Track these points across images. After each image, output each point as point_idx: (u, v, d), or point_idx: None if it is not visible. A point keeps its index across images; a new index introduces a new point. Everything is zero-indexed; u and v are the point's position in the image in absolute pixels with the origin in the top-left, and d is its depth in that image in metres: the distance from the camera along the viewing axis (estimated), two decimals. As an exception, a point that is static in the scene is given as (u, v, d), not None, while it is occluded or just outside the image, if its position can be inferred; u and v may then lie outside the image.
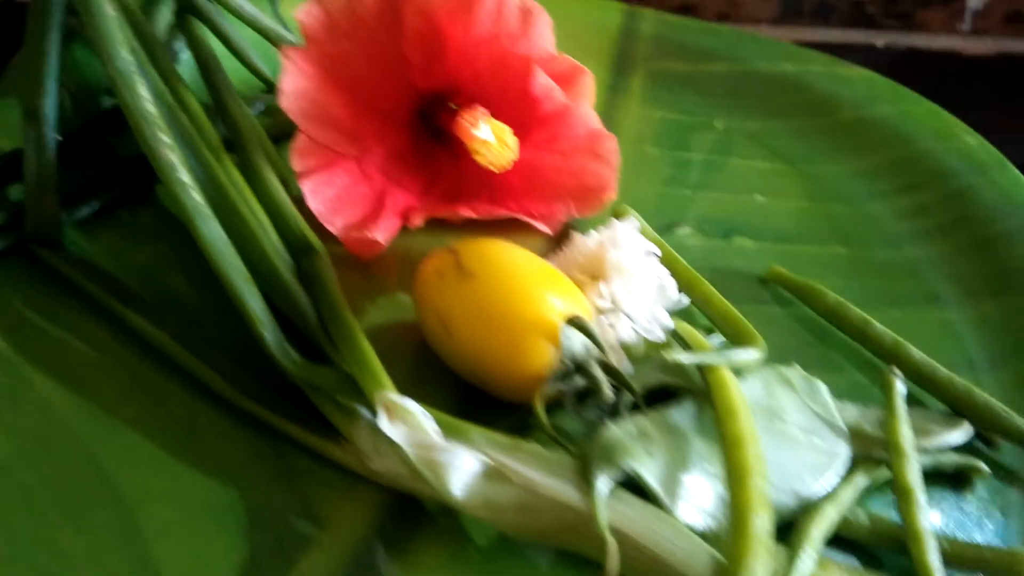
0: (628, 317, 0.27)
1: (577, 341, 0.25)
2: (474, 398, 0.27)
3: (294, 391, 0.26)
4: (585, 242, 0.30)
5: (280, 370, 0.25)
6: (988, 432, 0.28)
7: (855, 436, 0.27)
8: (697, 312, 0.31)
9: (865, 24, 0.59)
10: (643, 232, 0.31)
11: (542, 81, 0.30)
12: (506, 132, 0.29)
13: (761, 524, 0.20)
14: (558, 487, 0.22)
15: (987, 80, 0.61)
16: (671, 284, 0.28)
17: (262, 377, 0.26)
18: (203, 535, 0.23)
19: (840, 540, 0.25)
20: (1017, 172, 0.37)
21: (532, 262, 0.27)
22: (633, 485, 0.22)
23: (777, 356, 0.28)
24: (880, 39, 0.60)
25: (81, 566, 0.22)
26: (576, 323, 0.24)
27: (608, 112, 0.33)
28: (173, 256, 0.31)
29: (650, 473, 0.22)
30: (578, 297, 0.26)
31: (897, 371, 0.27)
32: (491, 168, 0.30)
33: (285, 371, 0.25)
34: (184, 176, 0.26)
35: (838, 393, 0.28)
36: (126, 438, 0.25)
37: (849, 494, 0.25)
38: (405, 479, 0.23)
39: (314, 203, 0.30)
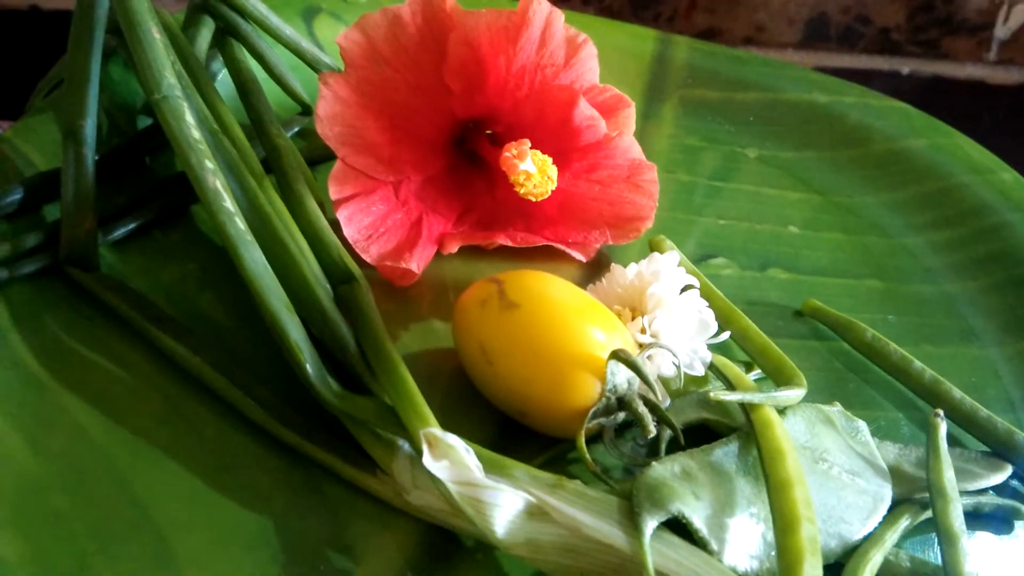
0: (668, 351, 0.27)
1: (622, 375, 0.24)
2: (512, 431, 0.27)
3: (330, 420, 0.25)
4: (624, 274, 0.30)
5: (320, 400, 0.25)
6: (1031, 475, 0.28)
7: (895, 476, 0.26)
8: (734, 346, 0.31)
9: (891, 51, 0.59)
10: (681, 264, 0.31)
11: (586, 112, 0.30)
12: (548, 163, 0.29)
13: (811, 572, 0.20)
14: (603, 528, 0.21)
15: (1013, 110, 0.61)
16: (711, 318, 0.28)
17: (297, 405, 0.26)
18: (236, 567, 0.23)
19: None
20: (1054, 209, 0.37)
21: (575, 294, 0.26)
22: (678, 527, 0.22)
23: (814, 391, 0.28)
24: (906, 66, 0.60)
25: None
26: (622, 357, 0.24)
27: (641, 139, 0.33)
28: (207, 277, 0.31)
29: (697, 516, 0.22)
30: (620, 331, 0.26)
31: (941, 413, 0.26)
32: (531, 198, 0.30)
33: (325, 402, 0.25)
34: (229, 204, 0.25)
35: (876, 431, 0.28)
36: (159, 464, 0.25)
37: (892, 537, 0.24)
38: (444, 514, 0.23)
39: (350, 231, 0.30)
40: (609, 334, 0.25)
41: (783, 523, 0.21)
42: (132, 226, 0.31)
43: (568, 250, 0.33)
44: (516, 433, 0.27)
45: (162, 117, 0.26)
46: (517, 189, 0.30)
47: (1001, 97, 0.60)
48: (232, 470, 0.25)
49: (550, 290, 0.26)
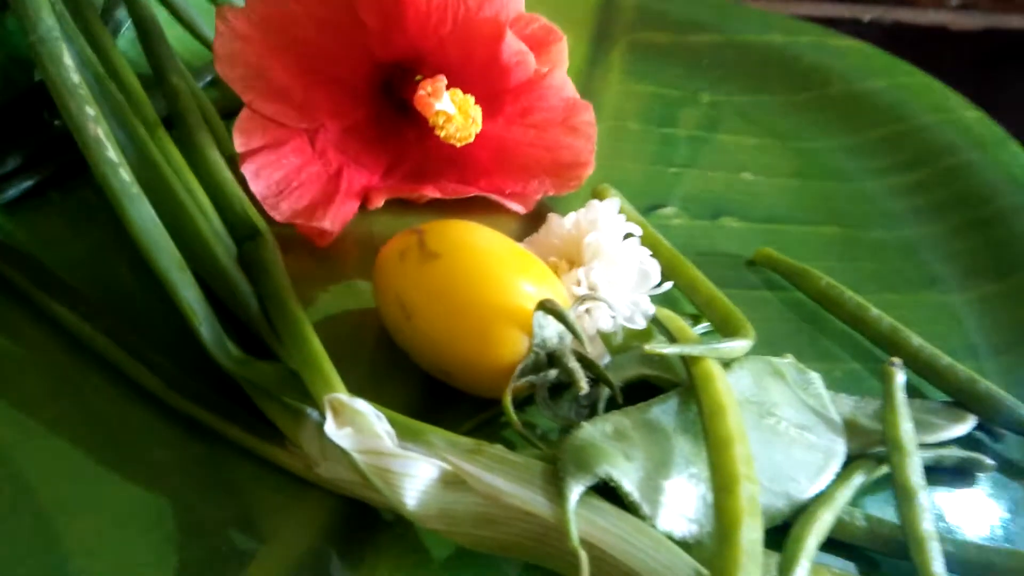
0: (607, 304, 0.24)
1: (551, 329, 0.22)
2: (438, 394, 0.25)
3: (237, 392, 0.23)
4: (562, 224, 0.27)
5: (218, 366, 0.23)
6: (992, 424, 0.26)
7: (850, 430, 0.24)
8: (682, 298, 0.29)
9: (852, -2, 0.57)
10: (624, 213, 0.29)
11: (513, 47, 0.27)
12: (469, 103, 0.27)
13: (750, 535, 0.18)
14: (524, 495, 0.19)
15: (975, 55, 0.59)
16: (654, 269, 0.26)
17: (203, 377, 0.24)
18: (129, 550, 0.21)
19: (835, 543, 0.23)
20: (1018, 148, 0.35)
21: (503, 244, 0.24)
22: (608, 490, 0.20)
23: (767, 344, 0.26)
24: (867, 13, 0.58)
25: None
26: (550, 308, 0.22)
27: (587, 86, 0.31)
28: (110, 243, 0.28)
29: (628, 479, 0.20)
30: (553, 282, 0.24)
31: (898, 362, 0.25)
32: (454, 143, 0.28)
33: (224, 368, 0.22)
34: (112, 154, 0.23)
35: (832, 383, 0.26)
36: (45, 441, 0.23)
37: (845, 495, 0.23)
38: (356, 486, 0.21)
39: (257, 187, 0.27)
40: (540, 286, 0.23)
41: (721, 483, 0.19)
42: (25, 185, 0.29)
43: (505, 202, 0.31)
44: (446, 398, 0.25)
45: (39, 60, 0.24)
46: (437, 132, 0.27)
47: (963, 43, 0.59)
48: (126, 446, 0.23)
49: (474, 239, 0.24)
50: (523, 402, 0.25)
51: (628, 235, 0.27)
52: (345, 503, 0.22)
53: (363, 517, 0.22)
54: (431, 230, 0.24)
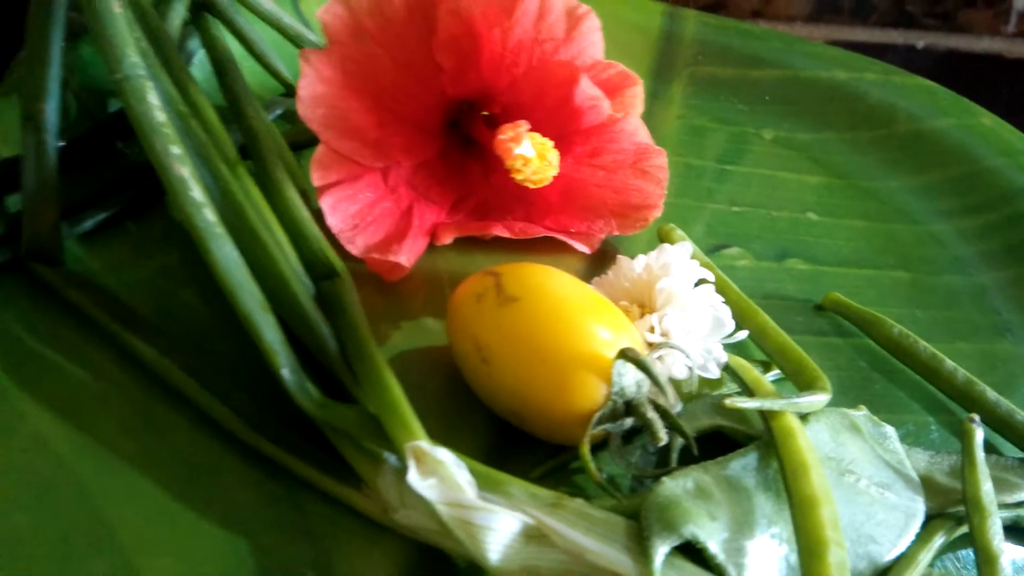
0: (681, 352, 0.24)
1: (629, 377, 0.22)
2: (510, 438, 0.25)
3: (313, 431, 0.23)
4: (632, 267, 0.27)
5: (295, 407, 0.23)
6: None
7: (927, 487, 0.24)
8: (750, 344, 0.28)
9: (905, 24, 0.56)
10: (693, 255, 0.28)
11: (588, 91, 0.27)
12: (548, 147, 0.27)
13: (842, 605, 0.18)
14: (608, 553, 0.19)
15: (1032, 84, 0.58)
16: (727, 316, 0.26)
17: (278, 415, 0.24)
18: (208, 591, 0.21)
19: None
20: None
21: (579, 289, 0.24)
22: (689, 549, 0.20)
23: (837, 393, 0.26)
24: (921, 40, 0.57)
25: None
26: (631, 357, 0.22)
27: (648, 120, 0.31)
28: (185, 274, 0.29)
29: (712, 539, 0.20)
30: (629, 329, 0.24)
31: (977, 419, 0.24)
32: (529, 185, 0.28)
33: (304, 410, 0.22)
34: (196, 193, 0.23)
35: (904, 436, 0.26)
36: (125, 477, 0.23)
37: (927, 557, 0.22)
38: (432, 534, 0.21)
39: (334, 221, 0.27)
40: (616, 332, 0.23)
41: (808, 546, 0.19)
42: (101, 217, 0.29)
43: (570, 241, 0.31)
44: (515, 441, 0.25)
45: (124, 98, 0.24)
46: (514, 176, 0.27)
47: (1019, 71, 0.58)
48: (204, 484, 0.23)
49: (552, 284, 0.24)
50: (593, 448, 0.24)
51: (700, 281, 0.27)
52: (420, 549, 0.22)
53: (437, 563, 0.22)
54: (508, 273, 0.24)
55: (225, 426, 0.24)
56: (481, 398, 0.25)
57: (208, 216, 0.23)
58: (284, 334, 0.23)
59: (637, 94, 0.29)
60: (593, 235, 0.31)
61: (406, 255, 0.28)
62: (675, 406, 0.25)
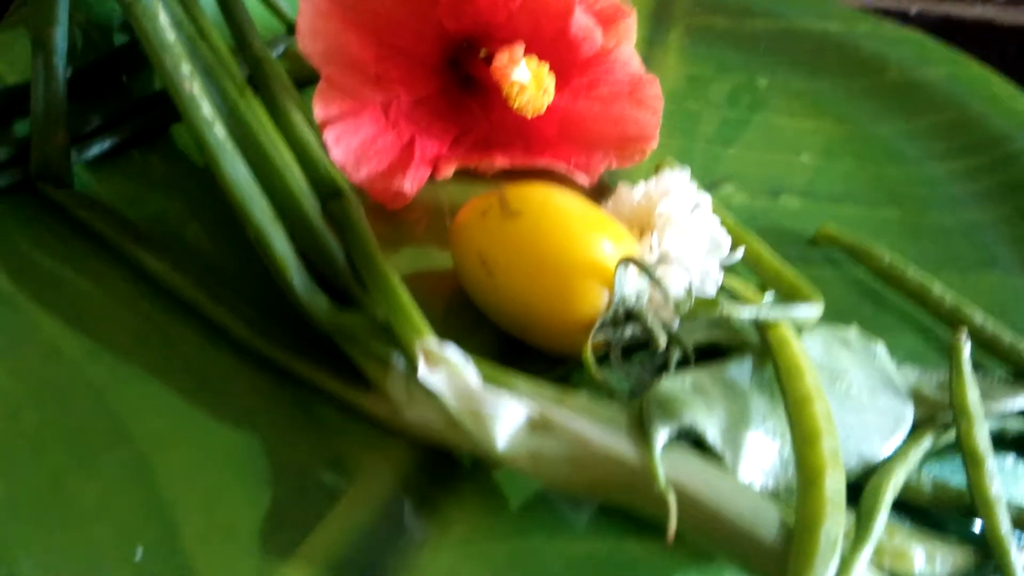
0: (682, 267, 0.25)
1: (631, 285, 0.23)
2: (515, 353, 0.25)
3: (319, 339, 0.24)
4: (631, 194, 0.28)
5: (307, 317, 0.23)
6: (1058, 400, 0.26)
7: (916, 399, 0.25)
8: (746, 273, 0.29)
9: (899, -11, 0.57)
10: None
11: (582, 21, 0.28)
12: (544, 72, 0.27)
13: (834, 485, 0.19)
14: (611, 440, 0.20)
15: (1021, 50, 0.59)
16: (723, 237, 0.27)
17: (286, 324, 0.24)
18: (222, 483, 0.21)
19: (900, 506, 0.23)
20: (1077, 137, 0.36)
21: (582, 204, 0.25)
22: (690, 442, 0.21)
23: (828, 317, 0.27)
24: (913, 6, 0.58)
25: (90, 512, 0.20)
26: (633, 261, 0.22)
27: (646, 67, 0.32)
28: (188, 201, 0.29)
29: (711, 428, 0.20)
30: (631, 241, 0.24)
31: (964, 332, 0.25)
32: (525, 113, 0.28)
33: (313, 318, 0.23)
34: (207, 111, 0.24)
35: (894, 357, 0.26)
36: (138, 383, 0.23)
37: (916, 456, 0.23)
38: (440, 431, 0.22)
39: (337, 152, 0.28)
40: (617, 242, 0.24)
41: (803, 436, 0.20)
42: (108, 144, 0.30)
43: (571, 173, 0.32)
44: (520, 356, 0.25)
45: (135, 19, 0.24)
46: (511, 103, 0.28)
47: (1010, 37, 0.58)
48: (216, 389, 0.24)
49: (554, 198, 0.24)
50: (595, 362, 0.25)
51: (698, 205, 0.27)
52: (427, 450, 0.23)
53: (444, 464, 0.23)
54: (512, 190, 0.25)
55: (235, 335, 0.24)
56: (486, 312, 0.25)
57: (218, 133, 0.24)
58: (294, 248, 0.24)
59: (630, 25, 0.29)
60: (593, 168, 0.32)
61: (409, 183, 0.28)
62: (672, 322, 0.26)
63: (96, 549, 0.20)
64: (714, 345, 0.26)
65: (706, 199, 0.27)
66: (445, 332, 0.23)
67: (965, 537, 0.23)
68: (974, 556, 0.22)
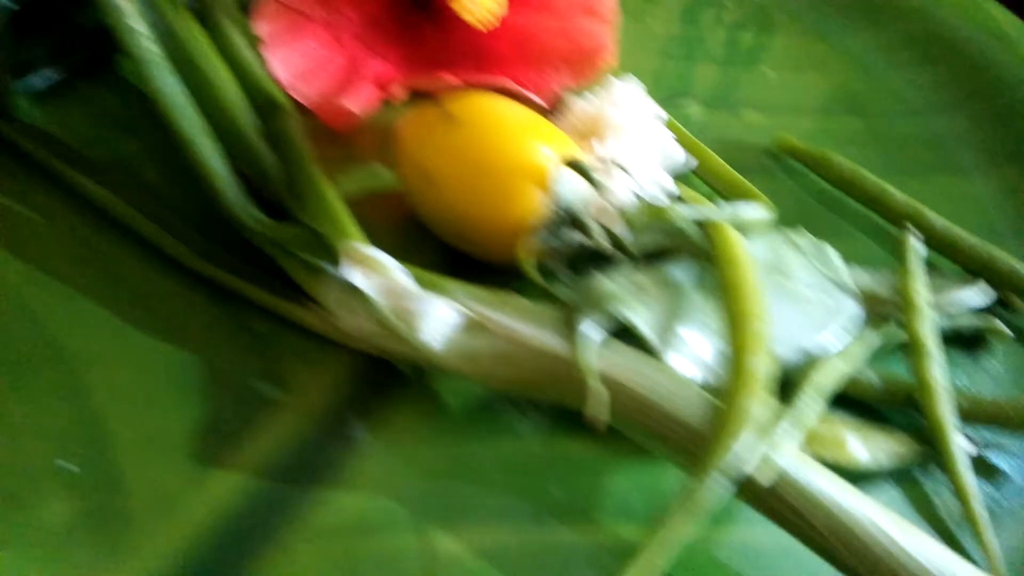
0: (625, 172, 0.25)
1: (570, 188, 0.22)
2: (466, 269, 0.25)
3: (257, 255, 0.24)
4: (582, 105, 0.27)
5: (239, 227, 0.23)
6: (1010, 296, 0.26)
7: (867, 298, 0.25)
8: (701, 186, 0.29)
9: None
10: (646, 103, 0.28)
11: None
12: (492, -21, 0.27)
13: (759, 364, 0.18)
14: (544, 336, 0.20)
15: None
16: (674, 145, 0.26)
17: (224, 244, 0.24)
18: (156, 398, 0.21)
19: (850, 401, 0.23)
20: (1046, 41, 0.35)
21: (525, 112, 0.24)
22: (624, 336, 0.20)
23: (783, 224, 0.26)
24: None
25: (19, 427, 0.20)
26: (571, 163, 0.22)
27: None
28: (130, 126, 0.29)
29: (643, 321, 0.20)
30: (572, 146, 0.24)
31: (913, 229, 0.25)
32: (476, 25, 0.28)
33: (245, 228, 0.23)
34: (136, 23, 0.23)
35: (852, 261, 0.26)
36: (75, 303, 0.23)
37: (859, 350, 0.23)
38: (377, 338, 0.21)
39: (281, 72, 0.27)
40: (559, 148, 0.23)
41: (734, 321, 0.19)
42: (53, 77, 0.29)
43: (526, 92, 0.31)
44: (471, 273, 0.25)
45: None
46: (462, 14, 0.27)
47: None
48: (154, 309, 0.24)
49: (495, 106, 0.24)
50: (542, 274, 0.25)
51: (647, 114, 0.27)
52: (366, 360, 0.23)
53: (384, 373, 0.23)
54: (453, 99, 0.24)
55: (172, 255, 0.24)
56: (430, 225, 0.25)
57: (148, 45, 0.23)
58: (228, 162, 0.23)
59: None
60: (548, 87, 0.31)
61: (356, 102, 0.28)
62: (623, 227, 0.26)
63: (25, 462, 0.20)
64: (665, 251, 0.25)
65: (656, 108, 0.27)
66: (395, 251, 0.23)
67: (911, 429, 0.22)
68: (917, 446, 0.22)
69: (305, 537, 0.20)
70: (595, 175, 0.22)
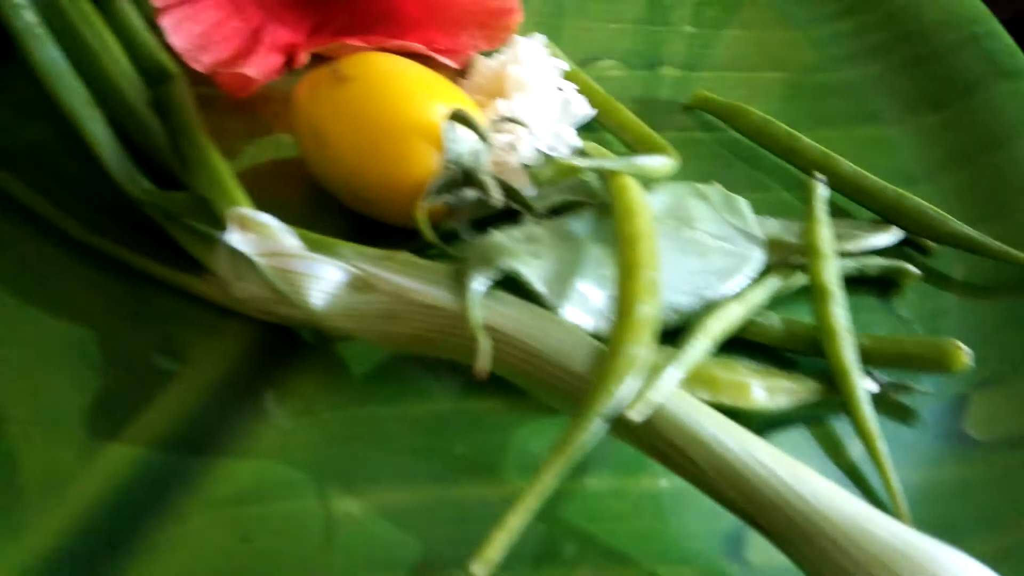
0: (523, 127, 0.24)
1: (464, 144, 0.22)
2: (368, 235, 0.25)
3: (153, 230, 0.23)
4: (487, 63, 0.27)
5: (131, 200, 0.23)
6: (920, 237, 0.26)
7: (776, 246, 0.24)
8: (615, 143, 0.28)
9: None
10: (559, 66, 0.28)
11: None
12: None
13: (646, 311, 0.18)
14: (431, 291, 0.19)
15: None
16: (578, 99, 0.26)
17: (120, 219, 0.24)
18: (50, 374, 0.21)
19: (753, 346, 0.23)
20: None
21: (419, 69, 0.24)
22: (519, 289, 0.20)
23: (698, 178, 0.26)
24: None
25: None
26: (459, 117, 0.22)
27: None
28: (27, 107, 0.28)
29: (533, 274, 0.20)
30: (466, 103, 0.24)
31: (820, 176, 0.24)
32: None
33: (135, 199, 0.22)
34: (14, -5, 0.23)
35: (764, 211, 0.26)
36: (-31, 287, 0.23)
37: (759, 295, 0.23)
38: (270, 304, 0.21)
39: (178, 40, 0.27)
40: (451, 105, 0.23)
41: (626, 270, 0.19)
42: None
43: (438, 57, 0.31)
44: (374, 241, 0.25)
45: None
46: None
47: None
48: (51, 287, 0.23)
49: (387, 63, 0.24)
50: (449, 239, 0.24)
51: (550, 70, 0.26)
52: (267, 329, 0.22)
53: (285, 341, 0.22)
54: (347, 59, 0.24)
55: (67, 232, 0.24)
56: (330, 190, 0.25)
57: (27, 16, 0.23)
58: (115, 132, 0.23)
59: None
60: (459, 50, 0.31)
61: (255, 68, 0.27)
62: (525, 189, 0.26)
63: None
64: (569, 206, 0.25)
65: (560, 62, 0.27)
66: (296, 220, 0.23)
67: (817, 373, 0.22)
68: (821, 389, 0.22)
69: (201, 506, 0.20)
70: (483, 128, 0.22)
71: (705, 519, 0.20)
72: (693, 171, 0.28)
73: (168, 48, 0.26)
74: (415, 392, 0.22)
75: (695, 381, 0.21)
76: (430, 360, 0.22)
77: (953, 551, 0.16)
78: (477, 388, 0.22)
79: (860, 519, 0.16)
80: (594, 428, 0.17)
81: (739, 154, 0.29)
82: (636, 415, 0.17)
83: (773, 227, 0.25)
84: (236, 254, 0.21)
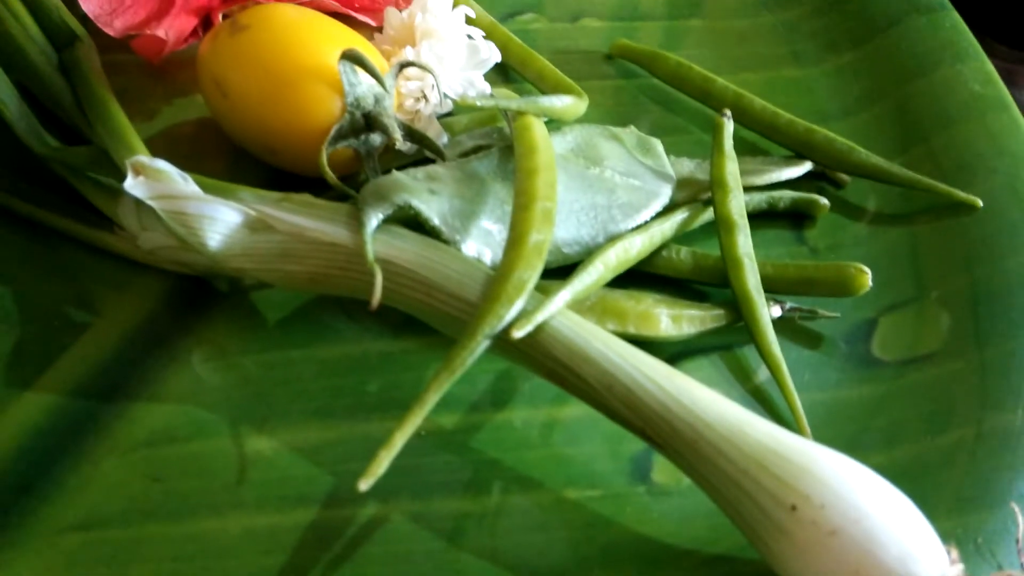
0: (425, 69, 0.24)
1: (364, 88, 0.22)
2: (288, 188, 0.25)
3: (67, 190, 0.23)
4: (398, 15, 0.27)
5: (38, 156, 0.23)
6: (834, 171, 0.27)
7: (687, 184, 0.25)
8: (534, 91, 0.29)
9: None
10: (481, 19, 0.28)
11: None
12: None
13: (538, 238, 0.19)
14: (326, 229, 0.20)
15: None
16: (486, 46, 0.26)
17: (35, 181, 0.24)
18: (-42, 331, 0.21)
19: (664, 280, 0.23)
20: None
21: (315, 16, 0.24)
22: (418, 226, 0.21)
23: (616, 123, 0.26)
24: None
25: None
26: (351, 56, 0.22)
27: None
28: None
29: (431, 209, 0.20)
30: (368, 49, 0.24)
31: (728, 112, 0.25)
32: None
33: (39, 155, 0.22)
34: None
35: (680, 152, 0.26)
36: None
37: (663, 227, 0.23)
38: (176, 252, 0.21)
39: (89, 6, 0.27)
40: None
41: (521, 202, 0.20)
42: None
43: (357, 15, 0.31)
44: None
45: None
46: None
47: None
48: (-38, 250, 0.23)
49: (286, 11, 0.24)
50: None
51: (457, 17, 0.27)
52: (181, 280, 0.23)
53: (198, 292, 0.23)
54: (245, 10, 0.24)
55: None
56: (238, 142, 0.25)
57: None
58: (21, 95, 0.23)
59: None
60: (378, 8, 0.31)
61: (167, 30, 0.27)
62: (439, 136, 0.26)
63: None
64: (479, 149, 0.25)
65: (468, 9, 0.27)
66: (213, 177, 0.23)
67: (724, 303, 0.23)
68: (727, 316, 0.23)
69: (114, 450, 0.20)
70: (377, 69, 0.22)
71: (611, 443, 0.21)
72: (614, 116, 0.29)
73: (81, 15, 0.26)
74: (330, 336, 0.22)
75: (604, 312, 0.22)
76: (347, 305, 0.23)
77: (830, 451, 0.17)
78: (391, 330, 0.22)
79: (740, 424, 0.17)
80: (479, 347, 0.17)
81: (658, 99, 0.30)
82: (518, 332, 0.17)
83: (687, 167, 0.26)
84: (141, 206, 0.21)
